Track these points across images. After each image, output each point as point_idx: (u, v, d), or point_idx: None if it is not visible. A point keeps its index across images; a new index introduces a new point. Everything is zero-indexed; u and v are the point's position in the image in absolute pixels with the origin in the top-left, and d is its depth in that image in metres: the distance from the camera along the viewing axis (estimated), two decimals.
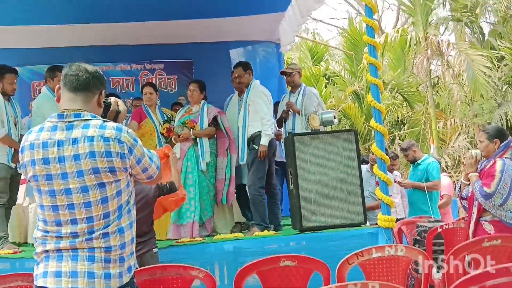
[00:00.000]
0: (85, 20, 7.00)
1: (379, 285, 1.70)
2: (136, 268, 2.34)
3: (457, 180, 10.54)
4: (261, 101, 5.57)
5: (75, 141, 2.18)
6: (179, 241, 4.88)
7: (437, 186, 6.38)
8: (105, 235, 2.20)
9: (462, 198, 4.44)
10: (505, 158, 4.14)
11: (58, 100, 2.34)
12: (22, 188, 5.71)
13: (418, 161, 6.56)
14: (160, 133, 5.79)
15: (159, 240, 5.23)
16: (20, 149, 2.29)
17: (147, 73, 7.90)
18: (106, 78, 6.66)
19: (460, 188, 4.49)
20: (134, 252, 2.32)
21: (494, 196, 3.99)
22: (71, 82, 2.28)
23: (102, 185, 2.20)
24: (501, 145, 4.19)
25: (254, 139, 5.50)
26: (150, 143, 5.71)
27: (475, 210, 4.13)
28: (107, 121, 2.29)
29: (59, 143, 2.19)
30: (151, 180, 2.42)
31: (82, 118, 2.24)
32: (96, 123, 2.24)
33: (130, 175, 2.33)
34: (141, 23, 7.23)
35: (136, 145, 2.29)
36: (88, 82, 2.30)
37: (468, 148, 11.76)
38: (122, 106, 2.51)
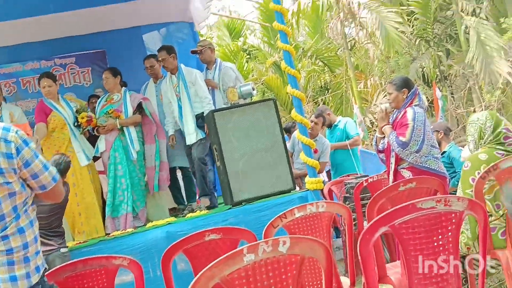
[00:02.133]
0: None
1: (289, 239, 1.71)
2: (45, 267, 2.27)
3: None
4: (201, 83, 5.62)
5: None
6: (110, 235, 4.79)
7: (358, 141, 6.57)
8: (4, 237, 2.11)
9: (379, 152, 4.59)
10: (414, 105, 4.28)
11: None
12: None
13: (335, 123, 6.73)
14: (76, 124, 5.53)
15: (91, 239, 5.13)
16: None
17: (59, 69, 7.56)
18: (16, 79, 6.29)
19: (376, 142, 4.63)
20: (41, 251, 2.24)
21: (410, 144, 4.14)
22: None
23: None
24: (408, 94, 4.32)
25: (198, 119, 5.52)
26: (63, 137, 5.45)
27: (392, 160, 4.27)
28: None
29: None
30: (45, 191, 2.24)
31: None
32: None
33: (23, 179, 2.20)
34: (47, 16, 6.91)
35: (25, 147, 2.18)
36: None
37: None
38: None
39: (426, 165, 4.16)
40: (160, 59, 5.77)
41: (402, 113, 4.28)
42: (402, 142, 4.15)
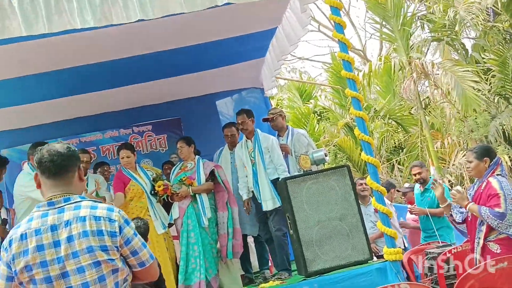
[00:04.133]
0: (69, 93, 7.01)
1: None
2: None
3: None
4: (277, 149, 5.61)
5: (67, 223, 2.20)
6: None
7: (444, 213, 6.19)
8: None
9: (458, 223, 4.33)
10: (496, 175, 4.08)
11: (39, 186, 2.34)
12: None
13: (426, 186, 6.38)
14: (153, 192, 5.63)
15: None
16: (7, 243, 2.25)
17: (136, 136, 7.87)
18: (96, 147, 6.58)
19: (452, 217, 4.39)
20: None
21: (507, 214, 3.89)
22: (49, 170, 2.28)
23: (97, 264, 2.20)
24: (490, 163, 4.14)
25: (276, 186, 5.47)
26: (141, 206, 5.54)
27: (481, 234, 4.01)
28: (97, 201, 2.33)
29: (53, 228, 2.20)
30: (143, 268, 2.34)
31: (72, 201, 2.26)
32: (87, 203, 2.27)
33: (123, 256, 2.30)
34: (125, 88, 7.24)
35: (126, 226, 2.29)
36: (65, 164, 2.30)
37: None
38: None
39: None
40: (239, 121, 5.82)
41: (485, 183, 4.06)
42: (500, 213, 3.90)
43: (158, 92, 7.59)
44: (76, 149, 2.44)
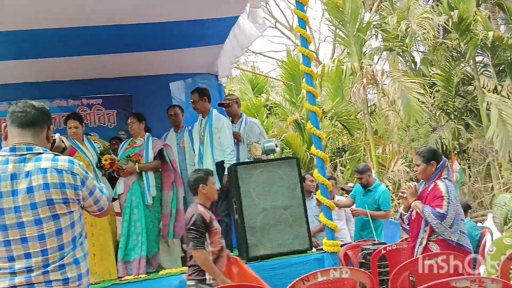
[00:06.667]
0: (18, 56, 6.78)
1: None
2: None
3: (398, 202, 10.78)
4: (227, 131, 5.66)
5: (28, 174, 2.21)
6: (123, 279, 4.72)
7: (387, 216, 6.40)
8: (61, 267, 2.21)
9: (404, 223, 4.50)
10: (443, 178, 4.23)
11: (6, 138, 2.36)
12: None
13: (370, 188, 6.59)
14: (99, 165, 5.55)
15: (103, 281, 5.03)
16: None
17: (85, 109, 7.68)
18: None
19: (401, 217, 4.55)
20: (91, 284, 2.37)
21: (447, 217, 4.04)
22: (19, 119, 2.32)
23: (56, 217, 2.22)
24: (437, 166, 4.26)
25: (218, 168, 5.55)
26: None
27: (424, 235, 4.14)
28: (58, 155, 2.35)
29: (13, 177, 2.21)
30: (102, 212, 2.46)
31: (34, 152, 2.28)
32: (48, 156, 2.30)
33: (82, 207, 2.36)
34: (77, 58, 7.06)
35: (88, 177, 2.35)
36: (37, 118, 2.35)
37: (407, 172, 12.08)
38: (67, 142, 2.58)
39: (455, 240, 4.06)
40: (191, 100, 5.91)
41: (432, 185, 4.22)
42: (441, 213, 4.04)
43: (112, 67, 7.44)
44: (50, 112, 2.49)
